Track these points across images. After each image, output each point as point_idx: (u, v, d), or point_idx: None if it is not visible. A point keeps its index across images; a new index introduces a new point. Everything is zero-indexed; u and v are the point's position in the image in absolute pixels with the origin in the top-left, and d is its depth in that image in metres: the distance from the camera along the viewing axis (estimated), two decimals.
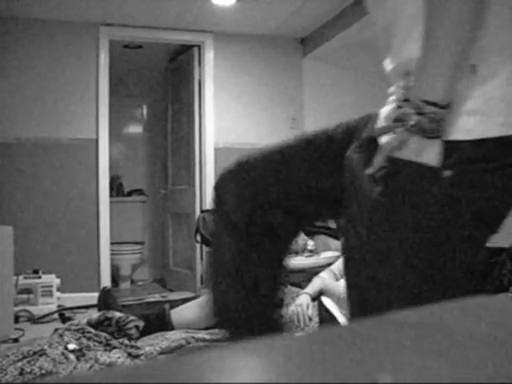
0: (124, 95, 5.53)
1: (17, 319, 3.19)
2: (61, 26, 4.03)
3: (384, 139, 0.83)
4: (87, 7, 3.80)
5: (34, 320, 3.27)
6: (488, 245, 0.89)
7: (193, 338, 2.23)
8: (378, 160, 0.82)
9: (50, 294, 3.42)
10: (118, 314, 2.33)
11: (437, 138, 0.79)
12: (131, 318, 2.32)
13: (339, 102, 4.63)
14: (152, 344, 2.14)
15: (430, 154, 0.79)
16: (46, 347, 1.97)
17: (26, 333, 2.84)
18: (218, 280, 1.16)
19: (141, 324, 2.32)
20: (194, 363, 0.35)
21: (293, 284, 2.90)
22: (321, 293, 2.49)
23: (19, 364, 1.84)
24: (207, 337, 2.27)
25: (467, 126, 0.81)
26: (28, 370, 1.80)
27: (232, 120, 4.38)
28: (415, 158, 0.80)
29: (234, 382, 0.32)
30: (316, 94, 4.59)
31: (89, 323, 2.29)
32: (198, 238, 3.81)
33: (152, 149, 5.76)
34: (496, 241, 0.98)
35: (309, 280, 2.68)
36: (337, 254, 3.51)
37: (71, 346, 2.01)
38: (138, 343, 2.17)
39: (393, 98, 0.93)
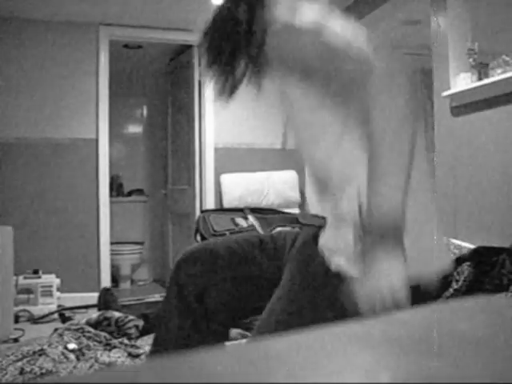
0: (124, 95, 5.53)
1: (17, 319, 3.19)
2: (61, 26, 4.03)
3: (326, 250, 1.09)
4: (87, 7, 3.80)
5: (34, 320, 3.27)
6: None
7: None
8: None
9: (50, 294, 3.42)
10: (117, 314, 2.33)
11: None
12: (130, 317, 2.32)
13: None
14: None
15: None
16: (45, 347, 1.97)
17: (26, 333, 2.84)
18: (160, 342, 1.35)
19: (140, 323, 2.32)
20: (194, 363, 0.35)
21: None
22: None
23: (19, 363, 1.84)
24: None
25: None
26: (28, 369, 1.80)
27: (232, 120, 4.38)
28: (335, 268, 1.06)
29: (233, 381, 0.32)
30: None
31: (88, 323, 2.29)
32: (198, 238, 3.81)
33: (152, 149, 5.76)
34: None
35: None
36: None
37: (71, 346, 2.01)
38: (138, 343, 2.17)
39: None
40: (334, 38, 1.03)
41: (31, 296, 3.43)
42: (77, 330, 2.18)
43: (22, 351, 1.93)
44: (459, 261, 2.07)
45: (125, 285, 5.00)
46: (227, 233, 3.72)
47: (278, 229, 3.80)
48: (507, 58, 2.58)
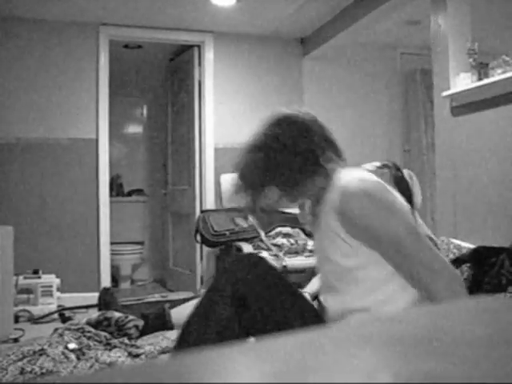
0: (124, 95, 5.53)
1: (17, 319, 3.19)
2: (61, 26, 4.03)
3: None
4: (87, 7, 3.80)
5: (34, 320, 3.27)
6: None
7: None
8: None
9: (50, 294, 3.42)
10: (117, 314, 2.33)
11: None
12: (130, 317, 2.32)
13: (339, 102, 4.63)
14: (152, 343, 2.14)
15: None
16: (46, 347, 1.98)
17: (26, 333, 2.84)
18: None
19: (140, 323, 2.32)
20: (194, 363, 0.35)
21: (293, 284, 2.90)
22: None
23: (20, 363, 1.85)
24: None
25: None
26: (28, 369, 1.80)
27: (232, 120, 4.38)
28: None
29: (233, 381, 0.32)
30: (316, 94, 4.59)
31: (88, 323, 2.29)
32: (198, 237, 3.81)
33: (152, 149, 5.76)
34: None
35: (309, 280, 2.68)
36: None
37: (71, 346, 2.01)
38: (138, 342, 2.18)
39: None
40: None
41: (31, 296, 3.43)
42: (77, 329, 2.18)
43: (22, 351, 1.93)
44: (459, 261, 2.07)
45: (125, 285, 5.00)
46: (227, 233, 3.72)
47: (278, 229, 3.80)
48: (507, 58, 2.58)
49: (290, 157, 1.37)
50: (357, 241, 1.28)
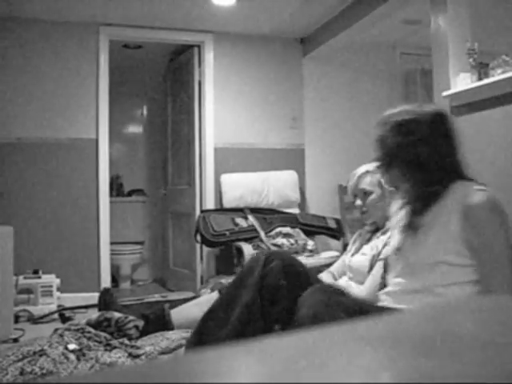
0: (124, 95, 5.53)
1: (17, 319, 3.19)
2: (61, 26, 4.03)
3: None
4: (87, 7, 3.80)
5: (34, 320, 3.27)
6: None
7: None
8: None
9: (50, 294, 3.42)
10: (117, 315, 2.33)
11: None
12: (130, 318, 2.32)
13: (339, 102, 4.63)
14: (152, 344, 2.14)
15: None
16: (46, 347, 1.97)
17: (26, 333, 2.84)
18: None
19: (140, 324, 2.31)
20: (194, 363, 0.35)
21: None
22: None
23: (19, 364, 1.84)
24: None
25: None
26: (28, 369, 1.80)
27: (232, 120, 4.38)
28: None
29: (233, 381, 0.32)
30: (316, 94, 4.59)
31: (88, 324, 2.28)
32: (198, 237, 3.81)
33: (152, 149, 5.76)
34: None
35: None
36: (336, 253, 3.51)
37: (71, 346, 2.01)
38: (138, 343, 2.17)
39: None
40: None
41: (31, 296, 3.43)
42: (77, 330, 2.18)
43: (22, 351, 1.93)
44: None
45: (125, 285, 5.00)
46: (227, 233, 3.72)
47: (278, 229, 3.80)
48: (507, 58, 2.58)
49: (452, 151, 1.57)
50: (465, 242, 1.40)
